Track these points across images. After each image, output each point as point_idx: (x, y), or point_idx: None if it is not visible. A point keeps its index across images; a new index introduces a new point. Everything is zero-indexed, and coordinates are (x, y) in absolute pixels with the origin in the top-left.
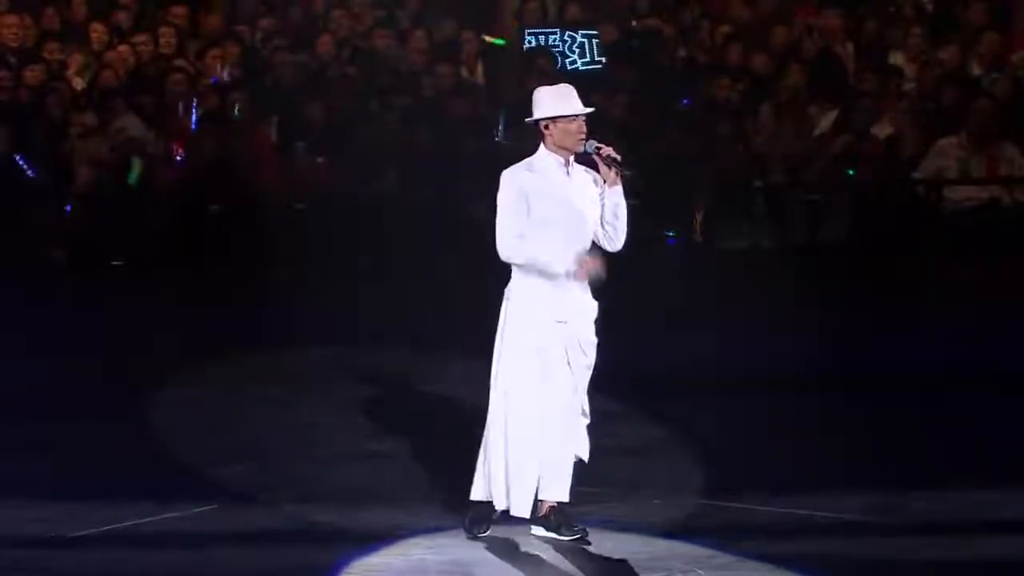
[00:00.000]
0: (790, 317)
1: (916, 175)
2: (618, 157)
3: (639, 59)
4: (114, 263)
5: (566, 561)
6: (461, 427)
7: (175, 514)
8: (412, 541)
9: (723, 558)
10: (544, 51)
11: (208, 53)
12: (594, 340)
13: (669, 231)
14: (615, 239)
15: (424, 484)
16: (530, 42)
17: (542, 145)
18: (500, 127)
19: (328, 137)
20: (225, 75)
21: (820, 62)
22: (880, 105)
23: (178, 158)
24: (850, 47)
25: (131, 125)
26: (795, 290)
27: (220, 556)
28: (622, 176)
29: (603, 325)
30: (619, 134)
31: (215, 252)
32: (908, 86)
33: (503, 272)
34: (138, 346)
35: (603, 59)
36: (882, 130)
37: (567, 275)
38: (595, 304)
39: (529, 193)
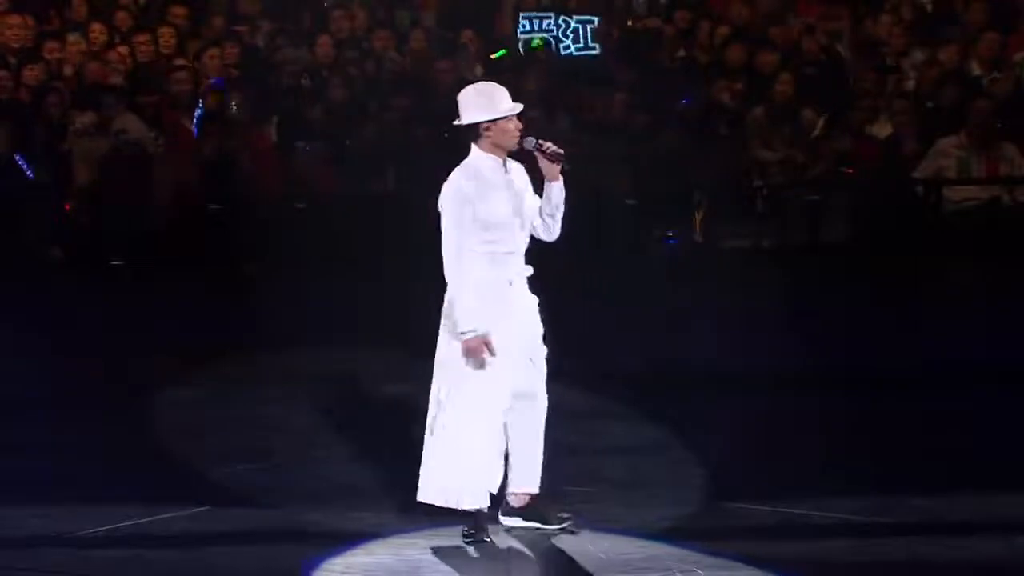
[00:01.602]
0: (790, 317)
1: (916, 175)
2: (560, 151)
3: (639, 59)
4: (113, 262)
5: (562, 560)
6: None
7: (174, 514)
8: (408, 541)
9: (721, 558)
10: (539, 49)
11: (208, 53)
12: (542, 330)
13: (669, 232)
14: (553, 230)
15: None
16: (524, 27)
17: (476, 147)
18: None
19: (328, 137)
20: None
21: (820, 62)
22: (879, 104)
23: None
24: (851, 47)
25: (131, 125)
26: (795, 290)
27: (218, 555)
28: (563, 170)
29: (604, 326)
30: (618, 134)
31: (215, 251)
32: (908, 84)
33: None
34: (138, 346)
35: (597, 46)
36: (881, 130)
37: (464, 338)
38: (535, 298)
39: (474, 199)
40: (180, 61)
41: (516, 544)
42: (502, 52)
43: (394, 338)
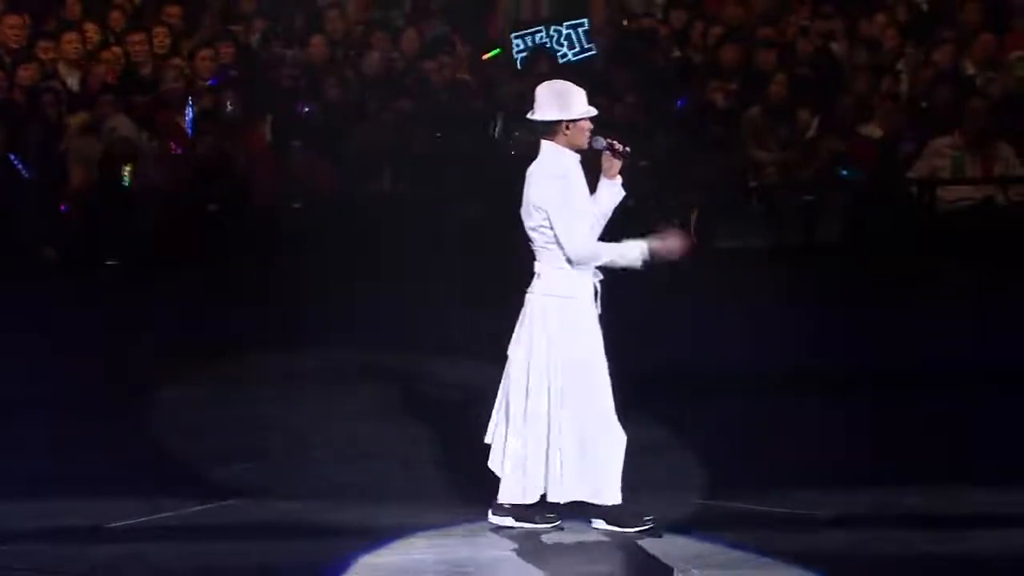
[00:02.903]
0: (786, 317)
1: (910, 175)
2: (628, 149)
3: (634, 60)
4: (108, 262)
5: (564, 560)
6: (460, 427)
7: (174, 513)
8: (411, 540)
9: (721, 557)
10: (543, 51)
11: (201, 53)
12: None
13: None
14: (601, 228)
15: (423, 483)
16: (519, 46)
17: (554, 144)
18: (497, 126)
19: (325, 136)
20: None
21: (815, 62)
22: (873, 104)
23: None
24: (845, 47)
25: (122, 125)
26: (790, 290)
27: (219, 555)
28: (632, 163)
29: (603, 326)
30: (615, 134)
31: (211, 251)
32: (902, 84)
33: (503, 271)
34: (137, 346)
35: (593, 44)
36: (875, 130)
37: (653, 251)
38: None
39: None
40: (176, 60)
41: (517, 543)
42: (496, 51)
43: (393, 338)
